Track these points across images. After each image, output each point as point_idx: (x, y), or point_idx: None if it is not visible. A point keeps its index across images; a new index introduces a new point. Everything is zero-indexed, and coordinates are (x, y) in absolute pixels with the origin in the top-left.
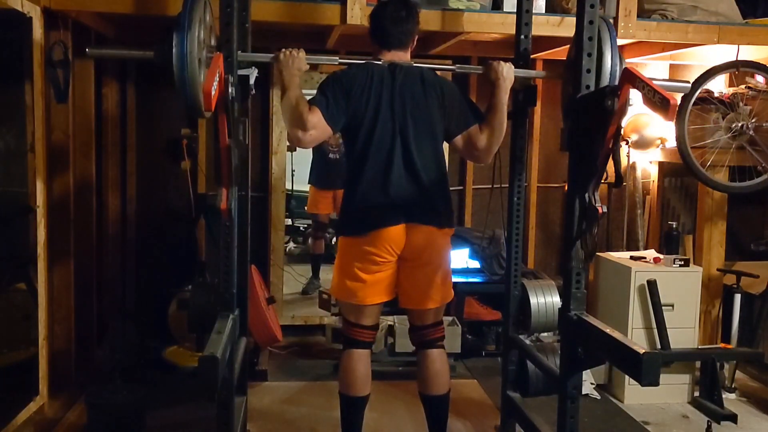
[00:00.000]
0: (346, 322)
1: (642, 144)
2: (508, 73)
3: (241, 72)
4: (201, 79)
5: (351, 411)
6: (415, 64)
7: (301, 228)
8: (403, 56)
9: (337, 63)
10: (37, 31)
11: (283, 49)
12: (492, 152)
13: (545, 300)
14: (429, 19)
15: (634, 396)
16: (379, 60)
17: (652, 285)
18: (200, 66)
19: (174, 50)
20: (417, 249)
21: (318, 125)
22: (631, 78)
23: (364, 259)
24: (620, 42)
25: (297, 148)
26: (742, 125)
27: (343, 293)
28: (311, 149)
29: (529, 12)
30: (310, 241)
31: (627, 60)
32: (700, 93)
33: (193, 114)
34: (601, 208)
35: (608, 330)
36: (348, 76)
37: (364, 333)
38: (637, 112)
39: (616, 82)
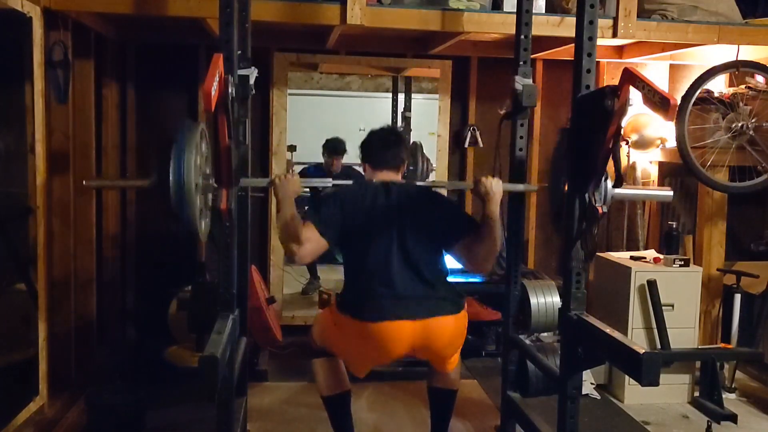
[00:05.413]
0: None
1: (642, 144)
2: (496, 187)
3: (241, 72)
4: (198, 203)
5: (337, 411)
6: (407, 182)
7: None
8: (394, 177)
9: (330, 185)
10: (37, 32)
11: (278, 174)
12: (489, 262)
13: (545, 300)
14: (429, 19)
15: (634, 396)
16: (371, 180)
17: (652, 285)
18: (197, 191)
19: (171, 177)
20: (438, 345)
21: (312, 238)
22: (631, 78)
23: (367, 346)
24: (620, 42)
25: (297, 148)
26: (742, 125)
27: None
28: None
29: (529, 12)
30: None
31: (627, 60)
32: (700, 93)
33: (194, 236)
34: (601, 208)
35: (608, 330)
36: (341, 192)
37: None
38: (637, 112)
39: None
